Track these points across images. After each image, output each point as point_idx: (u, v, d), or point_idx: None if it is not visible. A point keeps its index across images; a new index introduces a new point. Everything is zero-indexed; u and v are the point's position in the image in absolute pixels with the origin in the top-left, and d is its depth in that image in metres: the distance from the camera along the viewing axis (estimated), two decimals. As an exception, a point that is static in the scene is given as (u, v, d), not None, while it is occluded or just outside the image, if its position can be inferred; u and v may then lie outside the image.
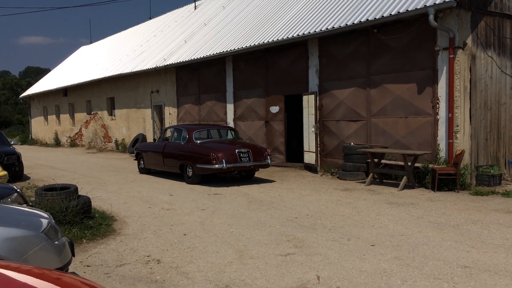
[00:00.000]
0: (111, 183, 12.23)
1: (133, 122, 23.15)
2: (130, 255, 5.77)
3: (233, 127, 15.90)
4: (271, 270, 5.05)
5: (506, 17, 11.04)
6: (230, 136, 13.10)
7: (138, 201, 9.48)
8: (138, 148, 14.57)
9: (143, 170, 14.05)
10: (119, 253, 5.84)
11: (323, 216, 7.64)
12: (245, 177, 12.50)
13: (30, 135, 37.13)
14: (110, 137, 25.39)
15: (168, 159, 12.55)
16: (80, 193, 7.71)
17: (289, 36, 13.44)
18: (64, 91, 30.17)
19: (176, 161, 12.18)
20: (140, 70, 21.08)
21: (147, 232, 6.89)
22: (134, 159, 14.80)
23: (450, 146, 10.09)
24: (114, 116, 25.10)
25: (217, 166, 10.94)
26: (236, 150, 11.33)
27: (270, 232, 6.66)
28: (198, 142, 11.94)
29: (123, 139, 23.88)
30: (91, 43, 39.30)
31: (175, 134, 12.94)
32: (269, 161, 11.77)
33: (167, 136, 13.74)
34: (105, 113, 25.79)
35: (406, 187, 10.11)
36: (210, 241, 6.26)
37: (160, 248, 6.02)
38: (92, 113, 27.23)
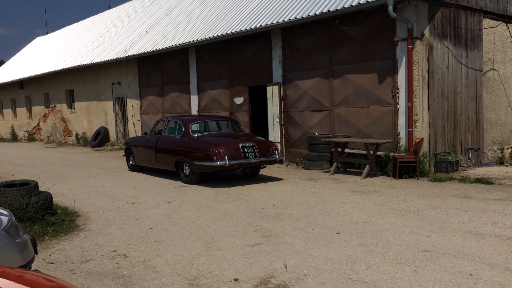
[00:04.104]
0: (72, 178, 11.93)
1: (94, 115, 22.59)
2: (95, 250, 5.67)
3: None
4: (239, 260, 5.09)
5: (461, 8, 11.41)
6: (231, 128, 11.60)
7: (102, 195, 9.30)
8: (128, 143, 13.15)
9: (134, 168, 12.67)
10: (84, 249, 5.73)
11: (289, 206, 7.74)
12: (248, 174, 11.29)
13: (-16, 130, 35.62)
14: (70, 130, 24.70)
15: (161, 155, 11.22)
16: (40, 189, 7.50)
17: (252, 27, 13.41)
18: (20, 84, 29.05)
19: (171, 157, 10.84)
20: (100, 62, 20.55)
21: (112, 227, 6.78)
22: (123, 155, 13.65)
23: (410, 134, 10.40)
24: (74, 109, 24.42)
25: (218, 163, 9.61)
26: (240, 145, 10.02)
27: (237, 223, 6.70)
28: (196, 135, 10.66)
29: (84, 132, 23.29)
30: (47, 33, 37.96)
31: (169, 126, 11.57)
32: (277, 157, 10.44)
33: (160, 129, 12.32)
34: (64, 106, 25.04)
35: (369, 175, 10.36)
36: (177, 234, 6.23)
37: (126, 242, 5.95)
38: (50, 106, 26.37)
